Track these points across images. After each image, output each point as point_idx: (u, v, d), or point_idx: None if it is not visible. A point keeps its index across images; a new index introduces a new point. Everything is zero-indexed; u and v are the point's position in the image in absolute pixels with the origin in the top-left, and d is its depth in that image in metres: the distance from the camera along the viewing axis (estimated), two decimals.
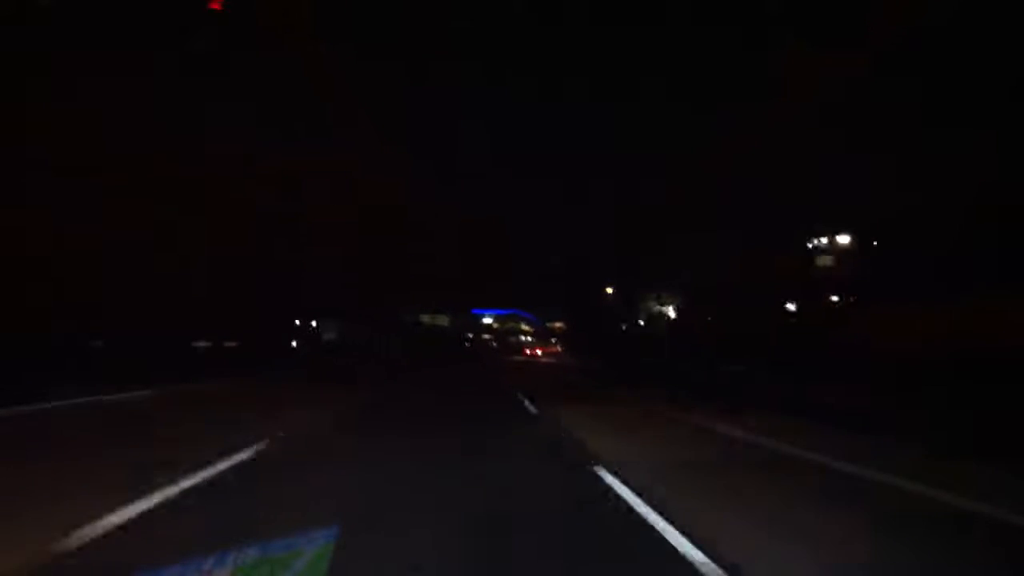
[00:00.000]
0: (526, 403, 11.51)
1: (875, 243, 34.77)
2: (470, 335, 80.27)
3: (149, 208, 17.80)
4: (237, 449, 5.45)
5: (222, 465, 4.84)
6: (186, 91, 19.43)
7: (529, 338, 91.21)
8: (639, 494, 4.44)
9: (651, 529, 3.65)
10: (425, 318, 68.10)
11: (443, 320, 74.43)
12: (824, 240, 47.20)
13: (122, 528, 3.28)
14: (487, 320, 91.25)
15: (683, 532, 3.56)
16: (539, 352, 74.61)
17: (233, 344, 23.70)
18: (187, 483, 4.22)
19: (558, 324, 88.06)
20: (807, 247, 46.86)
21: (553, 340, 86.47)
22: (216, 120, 20.65)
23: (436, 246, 57.81)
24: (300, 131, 26.35)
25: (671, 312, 61.47)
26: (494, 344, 74.70)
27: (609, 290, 66.45)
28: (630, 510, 4.08)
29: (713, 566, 3.05)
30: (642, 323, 62.03)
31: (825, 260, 46.21)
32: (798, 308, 35.93)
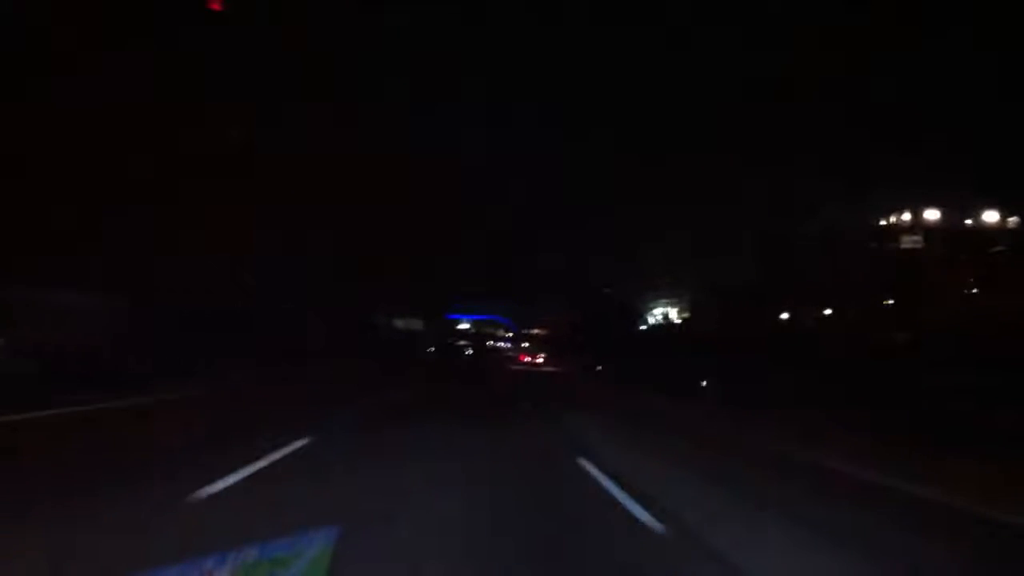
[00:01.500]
0: None
1: None
2: (450, 341, 72.72)
3: None
4: None
5: None
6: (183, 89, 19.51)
7: (509, 344, 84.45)
8: None
9: None
10: (399, 323, 65.52)
11: (417, 324, 71.36)
12: (907, 216, 39.67)
13: None
14: (464, 325, 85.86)
15: None
16: (540, 360, 66.70)
17: None
18: None
19: (536, 331, 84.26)
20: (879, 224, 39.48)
21: (525, 345, 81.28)
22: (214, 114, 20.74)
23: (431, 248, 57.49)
24: (297, 129, 26.43)
25: (672, 315, 57.69)
26: (469, 352, 66.88)
27: (607, 290, 62.51)
28: None
29: None
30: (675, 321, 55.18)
31: (913, 240, 38.27)
32: None
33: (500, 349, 79.56)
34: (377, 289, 44.68)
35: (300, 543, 1.81)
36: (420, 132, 63.99)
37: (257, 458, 6.15)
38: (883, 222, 40.56)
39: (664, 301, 60.24)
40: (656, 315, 60.88)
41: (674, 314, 58.27)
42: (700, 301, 46.77)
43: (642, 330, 56.99)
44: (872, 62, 56.71)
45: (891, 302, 30.84)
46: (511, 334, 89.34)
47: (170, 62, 19.23)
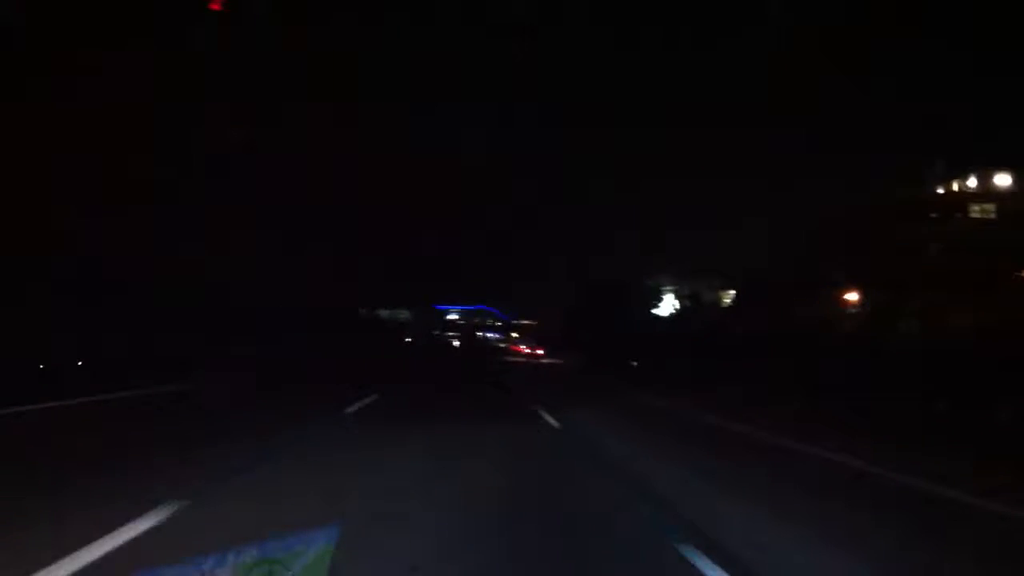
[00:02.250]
0: None
1: None
2: (436, 333, 69.12)
3: None
4: None
5: None
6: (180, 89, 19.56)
7: (500, 335, 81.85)
8: None
9: None
10: (384, 312, 64.06)
11: (403, 314, 69.94)
12: (972, 181, 33.86)
13: None
14: (452, 316, 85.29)
15: None
16: (540, 352, 62.76)
17: None
18: None
19: (526, 322, 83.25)
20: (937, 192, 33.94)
21: (515, 336, 79.65)
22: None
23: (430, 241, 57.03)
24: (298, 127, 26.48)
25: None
26: (456, 344, 62.69)
27: (601, 276, 53.52)
28: None
29: None
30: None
31: (985, 209, 32.66)
32: None
33: (490, 340, 76.13)
34: (370, 283, 44.28)
35: (300, 543, 1.81)
36: (420, 132, 64.14)
37: None
38: (941, 190, 35.15)
39: (671, 288, 53.09)
40: (671, 301, 52.66)
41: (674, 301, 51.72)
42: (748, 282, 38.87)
43: (661, 317, 46.51)
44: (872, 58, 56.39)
45: None
46: (500, 323, 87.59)
47: (170, 62, 19.28)
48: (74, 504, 4.02)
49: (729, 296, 43.87)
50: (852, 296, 29.71)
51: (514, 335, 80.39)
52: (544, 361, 48.44)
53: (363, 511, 4.20)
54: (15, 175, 15.47)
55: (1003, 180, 33.87)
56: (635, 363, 30.68)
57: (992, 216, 33.07)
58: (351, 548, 2.78)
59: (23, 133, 15.49)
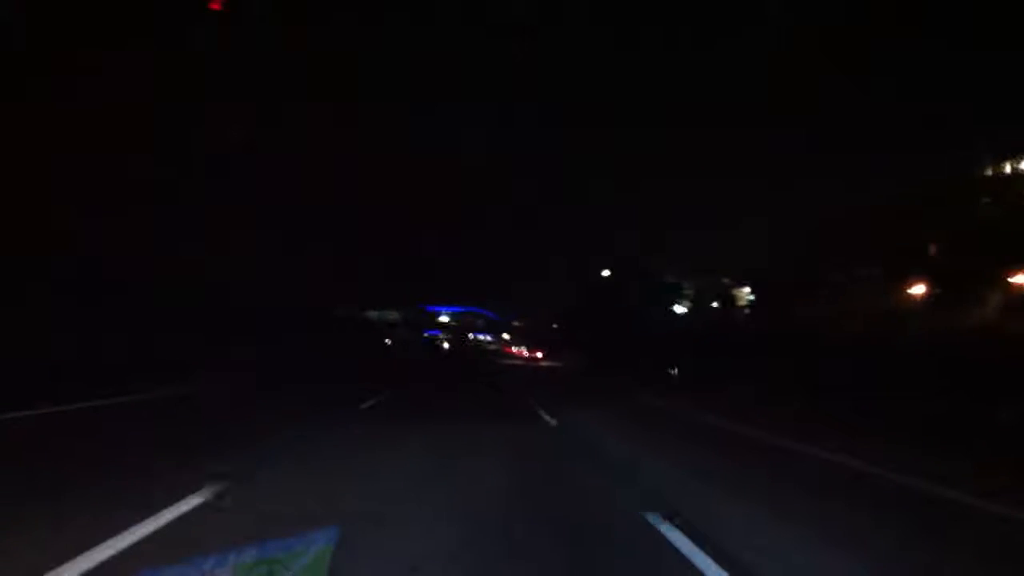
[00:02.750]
0: None
1: None
2: (427, 335, 68.22)
3: None
4: None
5: None
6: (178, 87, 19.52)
7: (491, 336, 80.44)
8: None
9: None
10: (372, 314, 63.07)
11: (393, 315, 69.04)
12: None
13: None
14: (443, 318, 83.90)
15: None
16: (539, 355, 58.62)
17: None
18: None
19: (520, 324, 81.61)
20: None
21: (506, 337, 77.59)
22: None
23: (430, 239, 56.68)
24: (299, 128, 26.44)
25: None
26: (445, 347, 61.44)
27: (605, 272, 51.05)
28: None
29: None
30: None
31: None
32: None
33: (481, 342, 74.65)
34: (370, 283, 44.03)
35: (300, 543, 1.81)
36: (420, 132, 64.18)
37: None
38: (989, 171, 31.62)
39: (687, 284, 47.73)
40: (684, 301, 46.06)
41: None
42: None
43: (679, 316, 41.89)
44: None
45: None
46: (494, 324, 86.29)
47: (170, 62, 19.29)
48: (73, 509, 3.96)
49: (744, 294, 42.13)
50: (919, 289, 28.20)
51: (505, 336, 79.62)
52: (543, 364, 46.59)
53: (361, 510, 4.22)
54: (15, 175, 15.45)
55: None
56: (675, 371, 25.49)
57: None
58: (351, 548, 2.78)
59: (23, 133, 15.48)
